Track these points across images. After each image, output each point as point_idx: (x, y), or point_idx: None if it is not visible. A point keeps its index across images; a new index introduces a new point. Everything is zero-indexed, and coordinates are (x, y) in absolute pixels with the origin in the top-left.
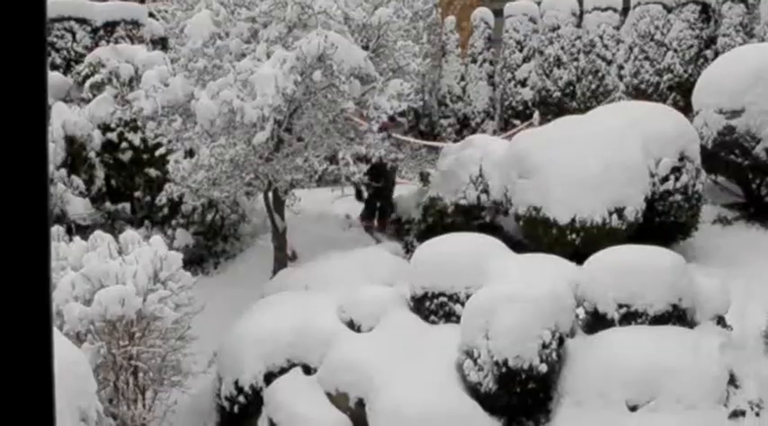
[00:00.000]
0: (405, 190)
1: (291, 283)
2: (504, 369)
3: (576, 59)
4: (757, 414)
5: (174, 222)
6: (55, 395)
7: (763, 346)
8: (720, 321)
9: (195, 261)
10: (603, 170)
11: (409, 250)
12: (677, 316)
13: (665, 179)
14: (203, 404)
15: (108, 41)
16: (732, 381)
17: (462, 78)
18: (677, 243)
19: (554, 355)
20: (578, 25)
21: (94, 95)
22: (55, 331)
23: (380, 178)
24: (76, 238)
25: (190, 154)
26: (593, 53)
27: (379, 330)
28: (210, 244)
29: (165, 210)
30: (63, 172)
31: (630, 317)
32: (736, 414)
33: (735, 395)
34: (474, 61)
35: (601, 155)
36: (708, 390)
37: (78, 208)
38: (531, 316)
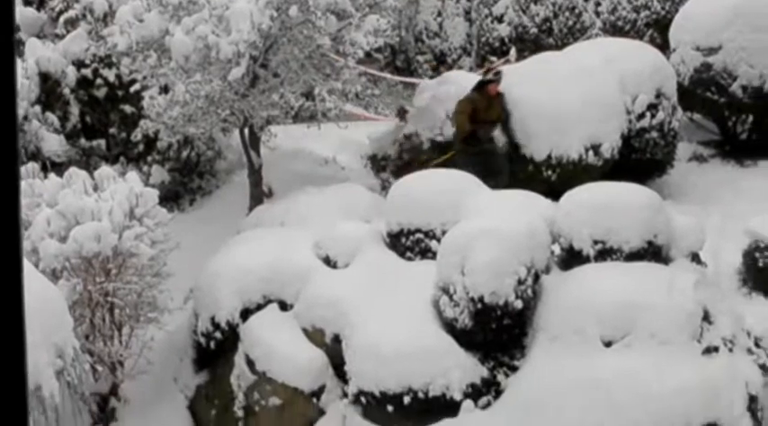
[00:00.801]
0: (381, 127)
1: (267, 219)
2: (479, 305)
3: None
4: (730, 350)
5: (149, 158)
6: (26, 332)
7: (736, 283)
8: (695, 258)
9: (171, 198)
10: (580, 106)
11: (385, 186)
12: (652, 253)
13: (642, 116)
14: (180, 341)
15: None
16: (706, 317)
17: (439, 14)
18: (653, 180)
19: (529, 291)
20: None
21: (68, 31)
22: (31, 268)
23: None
24: (51, 175)
25: (165, 90)
26: None
27: (355, 266)
28: (186, 181)
29: (141, 147)
30: (37, 108)
31: (606, 254)
32: (710, 351)
33: (708, 332)
34: None
35: (577, 92)
36: (682, 326)
37: (53, 144)
38: (506, 253)
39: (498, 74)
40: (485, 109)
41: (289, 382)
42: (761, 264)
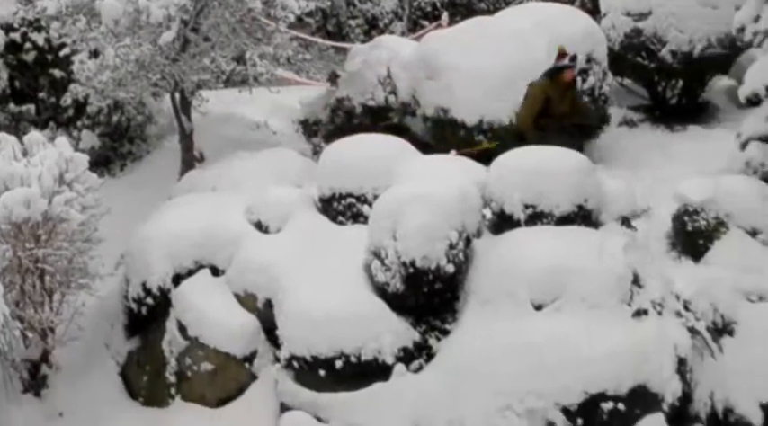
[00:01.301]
0: (313, 92)
1: (199, 184)
2: (411, 270)
3: None
4: (660, 314)
5: (79, 123)
6: None
7: (666, 247)
8: (625, 222)
9: (101, 163)
10: (511, 71)
11: (317, 151)
12: (583, 217)
13: None
14: (111, 307)
15: None
16: (636, 281)
17: None
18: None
19: (461, 255)
20: None
21: None
22: None
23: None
24: None
25: (95, 54)
26: None
27: (287, 231)
28: (116, 146)
29: (71, 112)
30: None
31: (536, 218)
32: (640, 314)
33: (638, 295)
34: None
35: (508, 57)
36: (612, 290)
37: None
38: (438, 217)
39: (575, 58)
40: (559, 99)
41: (221, 347)
42: (690, 228)
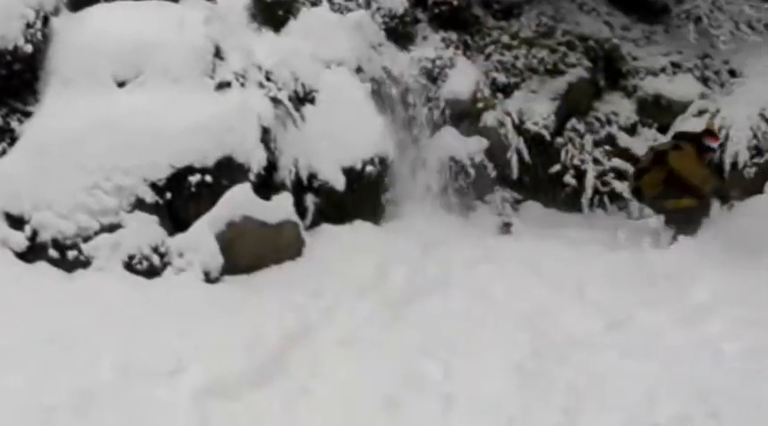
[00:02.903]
0: None
1: None
2: None
3: None
4: (242, 85)
5: None
6: None
7: (246, 18)
8: None
9: None
10: None
11: None
12: None
13: None
14: None
15: None
16: (217, 53)
17: None
18: None
19: (39, 35)
20: None
21: None
22: None
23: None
24: None
25: None
26: None
27: None
28: None
29: None
30: None
31: None
32: (222, 86)
33: (220, 67)
34: None
35: None
36: (193, 63)
37: None
38: None
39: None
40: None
41: None
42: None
